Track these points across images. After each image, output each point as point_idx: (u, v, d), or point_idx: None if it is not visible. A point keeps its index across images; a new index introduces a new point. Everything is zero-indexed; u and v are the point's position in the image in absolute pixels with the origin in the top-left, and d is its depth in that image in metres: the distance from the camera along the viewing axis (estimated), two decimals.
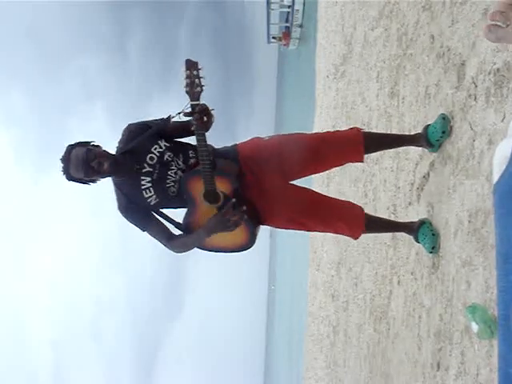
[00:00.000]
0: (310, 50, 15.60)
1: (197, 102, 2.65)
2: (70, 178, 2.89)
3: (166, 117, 2.94)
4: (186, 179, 2.91)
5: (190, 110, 2.68)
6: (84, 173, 2.84)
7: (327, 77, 9.08)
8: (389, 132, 4.25)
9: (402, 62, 4.19)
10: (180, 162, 2.96)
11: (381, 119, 4.77)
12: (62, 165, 2.88)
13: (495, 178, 1.33)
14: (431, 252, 3.10)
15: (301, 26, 34.45)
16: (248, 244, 3.03)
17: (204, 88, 2.64)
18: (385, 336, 4.24)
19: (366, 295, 5.04)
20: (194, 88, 2.62)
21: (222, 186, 2.87)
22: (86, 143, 2.93)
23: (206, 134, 2.78)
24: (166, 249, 3.06)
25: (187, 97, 2.65)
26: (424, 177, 3.43)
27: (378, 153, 4.57)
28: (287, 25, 37.75)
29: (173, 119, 2.89)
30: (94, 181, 2.95)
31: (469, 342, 2.56)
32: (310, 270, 10.69)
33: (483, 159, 2.58)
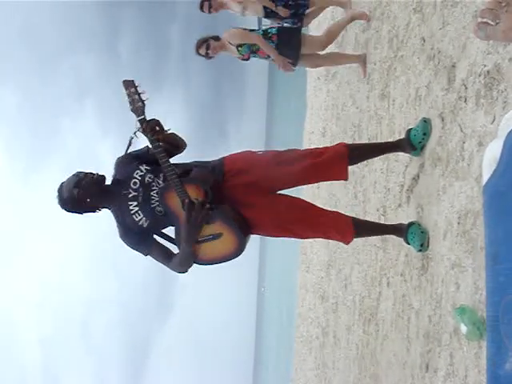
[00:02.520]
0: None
1: (142, 117, 2.79)
2: (63, 203, 3.03)
3: (128, 141, 3.03)
4: (161, 195, 2.99)
5: (139, 126, 2.81)
6: (73, 182, 2.97)
7: (318, 78, 9.09)
8: (378, 136, 4.29)
9: (392, 64, 4.20)
10: (160, 182, 3.04)
11: (371, 121, 4.78)
12: (56, 195, 3.03)
13: (485, 179, 1.33)
14: (420, 250, 3.11)
15: None
16: (238, 250, 3.06)
17: (146, 102, 2.78)
18: (374, 337, 4.25)
19: (356, 297, 5.04)
20: (135, 104, 2.77)
21: (194, 193, 2.93)
22: (78, 179, 3.03)
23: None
24: (171, 271, 3.11)
25: (134, 116, 2.79)
26: (414, 178, 3.43)
27: None
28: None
29: (132, 139, 2.98)
30: (88, 211, 3.09)
31: (458, 343, 2.57)
32: (299, 272, 10.69)
33: (473, 161, 2.58)
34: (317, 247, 8.05)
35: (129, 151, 3.09)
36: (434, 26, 3.29)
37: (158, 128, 2.84)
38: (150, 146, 2.90)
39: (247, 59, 5.23)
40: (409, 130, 3.27)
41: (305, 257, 9.91)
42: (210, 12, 5.40)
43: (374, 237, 4.27)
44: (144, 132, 2.82)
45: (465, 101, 2.72)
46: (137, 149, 3.12)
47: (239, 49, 5.07)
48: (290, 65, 5.12)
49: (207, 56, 5.06)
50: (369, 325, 4.46)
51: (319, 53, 5.40)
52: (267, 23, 5.90)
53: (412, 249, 3.22)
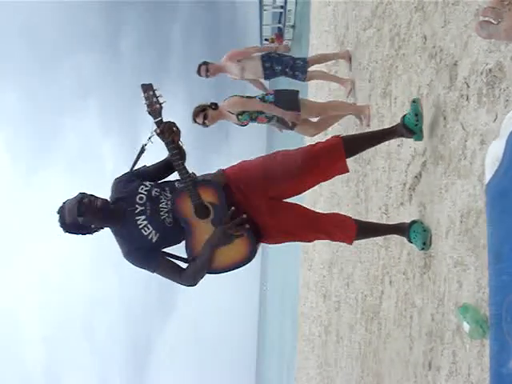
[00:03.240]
0: (303, 51, 15.61)
1: (159, 118, 2.83)
2: (66, 227, 2.99)
3: (140, 147, 3.06)
4: (174, 200, 2.99)
5: (155, 128, 2.84)
6: (77, 210, 2.92)
7: None
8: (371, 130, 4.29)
9: (394, 63, 4.20)
10: (168, 194, 3.05)
11: (373, 119, 4.78)
12: (58, 216, 2.98)
13: (487, 178, 1.33)
14: (422, 248, 3.11)
15: (293, 26, 34.37)
16: (250, 255, 3.07)
17: (163, 105, 2.83)
18: (376, 336, 4.25)
19: (358, 295, 5.04)
20: (153, 106, 2.81)
21: (208, 196, 2.95)
22: (80, 201, 2.99)
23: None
24: (181, 286, 3.11)
25: (151, 118, 2.82)
26: (416, 177, 3.43)
27: (370, 153, 4.58)
28: (280, 26, 37.64)
29: (146, 146, 3.02)
30: (90, 232, 3.05)
31: (460, 341, 2.57)
32: (301, 271, 10.69)
33: (475, 159, 2.58)
34: (319, 246, 8.05)
35: (131, 169, 3.11)
36: (435, 25, 3.28)
37: (175, 129, 2.86)
38: (166, 147, 2.89)
39: (246, 125, 5.30)
40: (403, 116, 3.21)
41: (307, 255, 9.91)
42: (207, 76, 5.46)
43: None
44: (161, 134, 2.83)
45: (467, 99, 2.72)
46: (135, 168, 3.12)
47: (239, 117, 5.13)
48: (299, 115, 5.17)
49: (204, 125, 5.09)
50: (371, 323, 4.46)
51: (313, 120, 5.45)
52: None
53: (414, 247, 3.22)
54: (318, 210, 3.39)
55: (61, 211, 2.98)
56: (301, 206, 3.29)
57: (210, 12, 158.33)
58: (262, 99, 5.08)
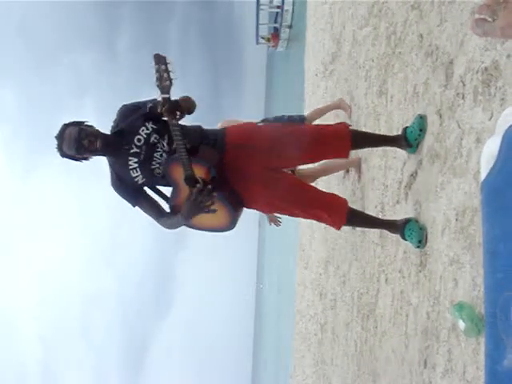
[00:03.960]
0: (299, 51, 15.62)
1: (167, 96, 2.75)
2: (63, 154, 3.03)
3: (150, 103, 3.03)
4: (167, 165, 3.01)
5: (161, 104, 2.77)
6: (75, 150, 2.97)
7: (316, 75, 9.10)
8: (375, 131, 4.31)
9: (390, 61, 4.20)
10: (165, 144, 3.06)
11: (369, 118, 4.78)
12: (56, 142, 3.01)
13: (483, 176, 1.33)
14: (418, 246, 3.11)
15: (290, 26, 34.31)
16: (229, 225, 3.13)
17: (173, 81, 2.74)
18: (372, 334, 4.25)
19: (354, 293, 5.05)
20: (163, 82, 2.72)
21: (200, 172, 2.96)
22: (80, 123, 3.06)
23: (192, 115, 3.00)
24: (157, 224, 3.16)
25: (158, 91, 2.75)
26: (412, 175, 3.44)
27: (366, 151, 4.59)
28: (276, 25, 37.58)
29: (151, 109, 3.00)
30: (86, 158, 3.09)
31: (456, 339, 2.57)
32: (298, 269, 10.70)
33: (471, 158, 2.58)
34: (315, 244, 8.05)
35: (137, 102, 3.10)
36: (431, 23, 3.29)
37: (178, 114, 2.81)
38: (169, 124, 2.84)
39: None
40: (405, 128, 3.29)
41: (303, 253, 9.92)
42: None
43: (372, 233, 4.28)
44: (165, 111, 2.79)
45: (462, 97, 2.72)
46: (142, 100, 3.11)
47: None
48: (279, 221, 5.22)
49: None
50: (367, 321, 4.46)
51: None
52: None
53: (410, 245, 3.22)
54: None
55: (59, 139, 3.00)
56: (297, 179, 3.30)
57: (206, 11, 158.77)
58: None
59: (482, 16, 1.18)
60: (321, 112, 5.86)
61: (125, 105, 3.12)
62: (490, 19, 1.17)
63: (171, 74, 2.72)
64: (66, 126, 3.02)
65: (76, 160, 3.08)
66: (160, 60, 2.71)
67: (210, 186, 2.92)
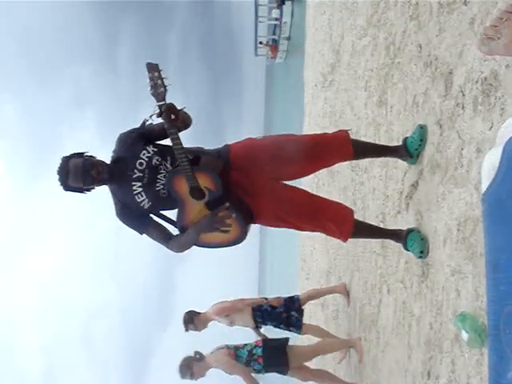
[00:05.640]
0: (298, 62, 15.66)
1: (162, 103, 2.74)
2: (68, 188, 2.99)
3: (140, 123, 3.02)
4: (170, 179, 2.98)
5: (158, 111, 2.77)
6: (83, 182, 2.95)
7: (315, 86, 9.11)
8: (376, 141, 4.32)
9: (389, 71, 4.20)
10: (168, 165, 3.03)
11: (369, 128, 4.78)
12: (58, 176, 2.97)
13: (484, 187, 1.33)
14: (420, 257, 3.10)
15: (288, 38, 34.40)
16: (240, 237, 3.10)
17: (168, 88, 2.74)
18: (375, 345, 4.23)
19: (356, 304, 5.03)
20: (157, 89, 2.72)
21: (205, 182, 2.93)
22: (81, 154, 3.02)
23: (186, 130, 2.95)
24: (168, 250, 3.13)
25: (153, 99, 2.74)
26: (413, 185, 3.43)
27: (367, 161, 4.59)
28: (275, 37, 37.70)
29: (147, 122, 2.99)
30: (90, 189, 3.06)
31: (459, 350, 2.56)
32: (299, 279, 10.66)
33: (472, 168, 2.58)
34: (316, 254, 8.04)
35: (134, 128, 3.07)
36: (430, 33, 3.29)
37: (173, 117, 2.79)
38: (166, 130, 2.83)
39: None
40: (405, 138, 3.29)
41: (304, 264, 9.89)
42: (195, 329, 5.23)
43: (374, 244, 4.27)
44: (163, 118, 2.78)
45: (462, 107, 2.72)
46: (138, 126, 3.08)
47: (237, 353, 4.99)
48: None
49: (192, 377, 4.84)
50: (369, 332, 4.44)
51: (308, 365, 5.31)
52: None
53: (412, 256, 3.21)
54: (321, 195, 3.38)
55: (63, 173, 2.96)
56: (303, 191, 3.28)
57: (205, 24, 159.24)
58: (251, 354, 4.88)
59: (488, 35, 1.23)
60: (319, 293, 5.84)
61: (121, 133, 3.09)
62: (495, 38, 1.22)
63: (165, 80, 2.73)
64: (67, 158, 2.98)
65: (80, 192, 3.04)
66: (152, 68, 2.72)
67: (227, 204, 2.92)
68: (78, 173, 2.93)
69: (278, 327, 5.34)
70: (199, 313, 5.18)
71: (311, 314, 8.26)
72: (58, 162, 3.00)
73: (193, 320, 5.15)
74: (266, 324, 5.31)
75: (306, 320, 5.49)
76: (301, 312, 5.34)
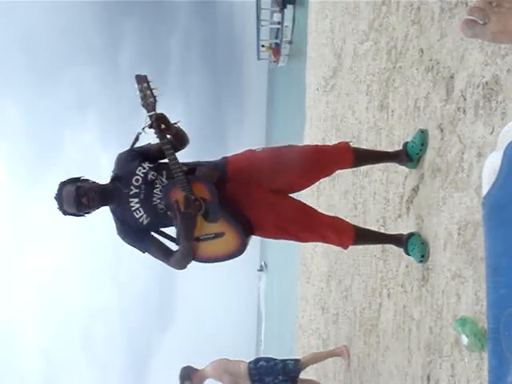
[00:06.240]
0: (300, 66, 15.68)
1: (152, 113, 2.77)
2: (66, 213, 3.05)
3: (135, 136, 3.04)
4: (166, 191, 2.98)
5: (149, 121, 2.80)
6: (76, 209, 3.00)
7: (317, 90, 9.11)
8: (377, 147, 4.32)
9: (391, 76, 4.21)
10: (164, 179, 3.05)
11: (370, 132, 4.78)
12: (56, 202, 3.03)
13: (484, 191, 1.33)
14: (421, 261, 3.11)
15: (290, 42, 34.42)
16: (240, 248, 3.08)
17: (157, 98, 2.78)
18: (375, 349, 4.23)
19: (356, 308, 5.03)
20: (147, 100, 2.77)
21: (200, 192, 2.94)
22: (76, 179, 3.06)
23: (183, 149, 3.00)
24: (170, 268, 3.15)
25: (144, 110, 2.78)
26: (413, 189, 3.43)
27: (368, 166, 4.59)
28: (277, 41, 37.74)
29: (140, 135, 3.01)
30: (88, 213, 3.09)
31: (459, 354, 2.56)
32: (300, 283, 10.66)
33: (472, 172, 2.58)
34: (317, 258, 8.03)
35: (133, 147, 3.09)
36: (432, 38, 3.30)
37: (163, 126, 2.82)
38: (159, 141, 2.87)
39: None
40: (406, 143, 3.29)
41: (305, 268, 9.89)
42: None
43: (374, 248, 4.27)
44: (153, 128, 2.81)
45: (463, 112, 2.73)
46: (140, 145, 3.11)
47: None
48: None
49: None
50: (370, 336, 4.44)
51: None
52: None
53: (412, 260, 3.22)
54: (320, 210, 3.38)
55: (59, 200, 3.02)
56: (302, 203, 3.29)
57: (207, 28, 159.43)
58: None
59: (473, 17, 1.14)
60: (319, 357, 5.88)
61: (120, 153, 3.12)
62: (481, 22, 1.13)
63: (154, 91, 2.77)
64: (62, 185, 3.03)
65: (79, 216, 3.09)
66: (141, 80, 2.77)
67: (189, 194, 2.91)
68: (71, 201, 2.97)
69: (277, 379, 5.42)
70: (196, 369, 5.23)
71: (311, 317, 8.26)
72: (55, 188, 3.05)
73: (190, 377, 5.19)
74: (263, 381, 5.37)
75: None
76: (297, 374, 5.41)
